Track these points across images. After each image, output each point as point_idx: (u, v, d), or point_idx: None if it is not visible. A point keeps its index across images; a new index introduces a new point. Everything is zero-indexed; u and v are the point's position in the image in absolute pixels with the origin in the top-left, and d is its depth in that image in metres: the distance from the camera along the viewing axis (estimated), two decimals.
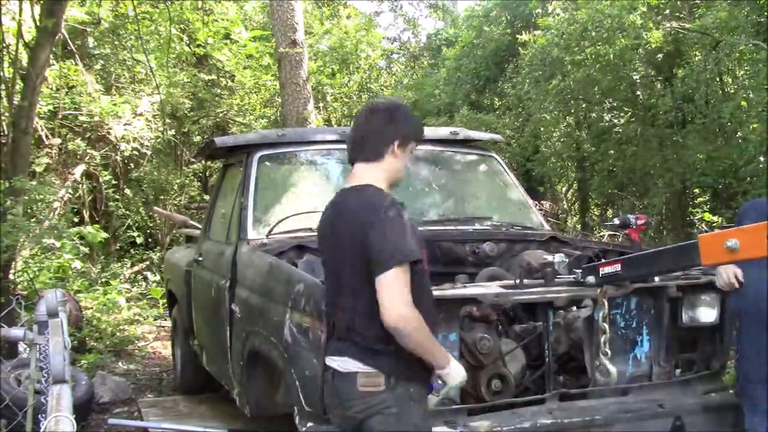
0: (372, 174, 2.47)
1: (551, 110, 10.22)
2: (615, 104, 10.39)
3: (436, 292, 3.01)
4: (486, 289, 3.16)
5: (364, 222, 2.34)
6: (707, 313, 3.44)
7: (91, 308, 7.98)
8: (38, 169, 9.43)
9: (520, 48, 11.27)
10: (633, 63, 9.25)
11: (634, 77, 9.56)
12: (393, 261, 2.26)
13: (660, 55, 9.47)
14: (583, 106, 10.63)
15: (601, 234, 10.03)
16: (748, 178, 7.63)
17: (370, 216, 2.34)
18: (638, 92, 9.72)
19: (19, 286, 6.76)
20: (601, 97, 10.24)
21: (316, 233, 2.65)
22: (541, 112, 10.40)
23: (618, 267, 2.72)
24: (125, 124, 10.07)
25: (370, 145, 2.47)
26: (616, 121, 10.47)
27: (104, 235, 9.41)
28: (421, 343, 2.31)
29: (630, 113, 10.13)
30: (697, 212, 10.09)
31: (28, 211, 7.36)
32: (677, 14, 9.42)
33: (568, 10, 10.33)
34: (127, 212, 11.00)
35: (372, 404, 2.34)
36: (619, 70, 9.26)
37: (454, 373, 2.41)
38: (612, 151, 10.51)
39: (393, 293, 2.26)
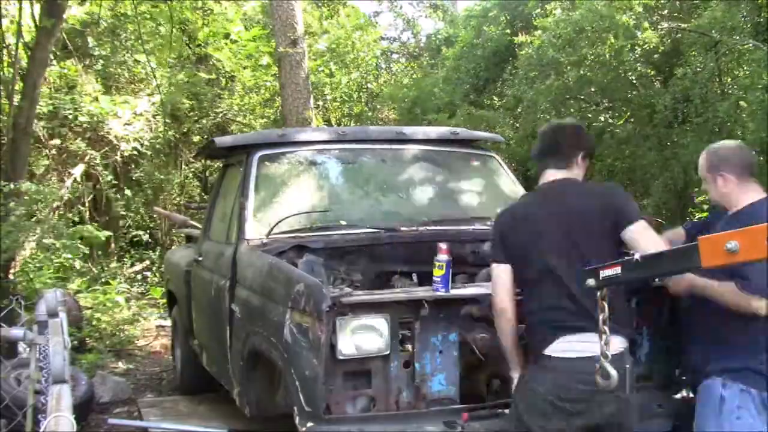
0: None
1: (548, 108, 10.20)
2: (611, 104, 10.39)
3: (436, 293, 3.03)
4: (486, 289, 3.16)
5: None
6: None
7: (91, 308, 7.98)
8: (38, 170, 9.44)
9: (517, 48, 11.27)
10: (629, 62, 9.24)
11: (630, 77, 9.54)
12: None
13: (657, 55, 9.47)
14: (583, 106, 10.62)
15: None
16: None
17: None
18: (633, 92, 9.70)
19: (19, 286, 6.75)
20: (596, 97, 10.23)
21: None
22: (537, 112, 10.40)
23: (618, 270, 2.71)
24: (125, 124, 10.08)
25: (561, 155, 2.83)
26: (612, 120, 10.46)
27: (106, 233, 9.41)
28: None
29: (628, 113, 10.13)
30: (696, 213, 10.08)
31: (28, 210, 7.36)
32: (675, 14, 9.42)
33: (565, 11, 10.32)
34: (127, 212, 11.00)
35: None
36: (615, 69, 9.25)
37: None
38: (604, 152, 10.50)
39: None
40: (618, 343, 2.64)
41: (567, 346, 2.63)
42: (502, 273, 2.79)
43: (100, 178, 10.36)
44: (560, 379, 2.62)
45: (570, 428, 2.63)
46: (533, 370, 2.72)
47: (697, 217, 9.75)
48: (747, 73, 8.25)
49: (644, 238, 2.68)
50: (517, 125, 11.45)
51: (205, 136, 12.32)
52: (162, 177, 11.30)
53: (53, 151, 9.95)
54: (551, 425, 2.63)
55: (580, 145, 2.88)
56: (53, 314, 2.56)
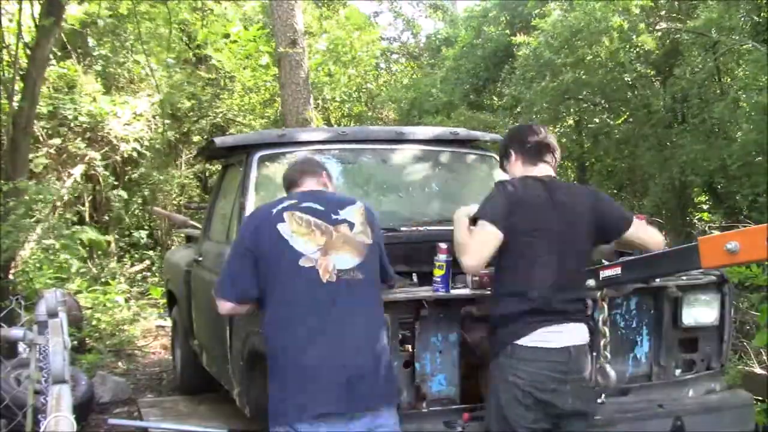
0: None
1: (546, 108, 10.20)
2: (609, 105, 10.39)
3: (436, 293, 3.03)
4: (486, 289, 3.16)
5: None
6: (707, 313, 3.44)
7: (91, 308, 7.98)
8: (36, 170, 9.43)
9: (515, 49, 11.27)
10: (626, 64, 9.24)
11: (626, 78, 9.54)
12: None
13: (655, 55, 9.46)
14: (583, 106, 10.62)
15: None
16: (743, 177, 7.62)
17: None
18: (630, 93, 9.69)
19: (19, 286, 6.75)
20: (593, 98, 10.23)
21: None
22: (535, 113, 10.40)
23: (618, 270, 2.71)
24: (125, 125, 10.08)
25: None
26: (610, 121, 10.46)
27: (107, 238, 9.42)
28: None
29: (627, 113, 10.13)
30: (696, 213, 10.08)
31: (29, 210, 7.36)
32: (674, 15, 9.42)
33: (563, 12, 10.33)
34: (126, 212, 11.00)
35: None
36: (612, 71, 9.25)
37: None
38: (603, 152, 10.50)
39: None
40: (583, 332, 2.77)
41: (546, 336, 2.66)
42: (493, 238, 2.71)
43: (100, 179, 10.36)
44: (540, 369, 2.65)
45: (546, 419, 2.67)
46: (510, 361, 2.68)
47: (697, 217, 9.75)
48: (746, 73, 8.26)
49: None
50: (516, 125, 11.45)
51: (205, 136, 12.32)
52: (161, 177, 11.30)
53: (52, 150, 9.94)
54: (530, 416, 2.65)
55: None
56: (53, 314, 2.55)
